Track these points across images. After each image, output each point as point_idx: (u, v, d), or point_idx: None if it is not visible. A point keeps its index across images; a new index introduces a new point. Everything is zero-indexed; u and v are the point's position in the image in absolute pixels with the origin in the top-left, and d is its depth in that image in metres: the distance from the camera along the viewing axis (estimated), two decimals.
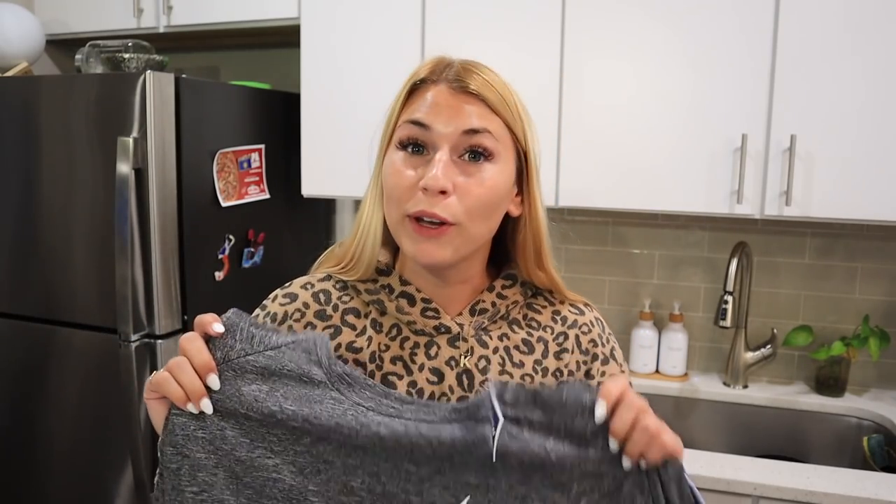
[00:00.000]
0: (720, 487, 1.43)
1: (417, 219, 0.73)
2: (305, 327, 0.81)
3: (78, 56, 1.93)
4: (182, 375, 0.67)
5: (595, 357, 0.85)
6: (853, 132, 1.59)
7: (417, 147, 0.75)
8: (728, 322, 1.77)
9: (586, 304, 0.90)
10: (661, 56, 1.70)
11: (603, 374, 0.85)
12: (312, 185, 2.01)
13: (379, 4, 1.88)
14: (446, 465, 0.64)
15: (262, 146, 1.96)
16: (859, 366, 1.93)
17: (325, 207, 2.36)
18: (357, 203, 2.36)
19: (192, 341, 0.68)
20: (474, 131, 0.73)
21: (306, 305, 0.82)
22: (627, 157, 1.75)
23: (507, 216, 0.81)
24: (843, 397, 1.89)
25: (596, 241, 2.14)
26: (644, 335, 2.04)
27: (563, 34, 1.76)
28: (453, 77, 0.75)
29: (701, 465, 1.47)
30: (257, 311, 0.85)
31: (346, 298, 0.83)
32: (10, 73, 1.99)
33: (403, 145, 0.76)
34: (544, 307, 0.87)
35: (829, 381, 1.90)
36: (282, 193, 2.05)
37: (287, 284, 0.86)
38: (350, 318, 0.81)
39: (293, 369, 0.67)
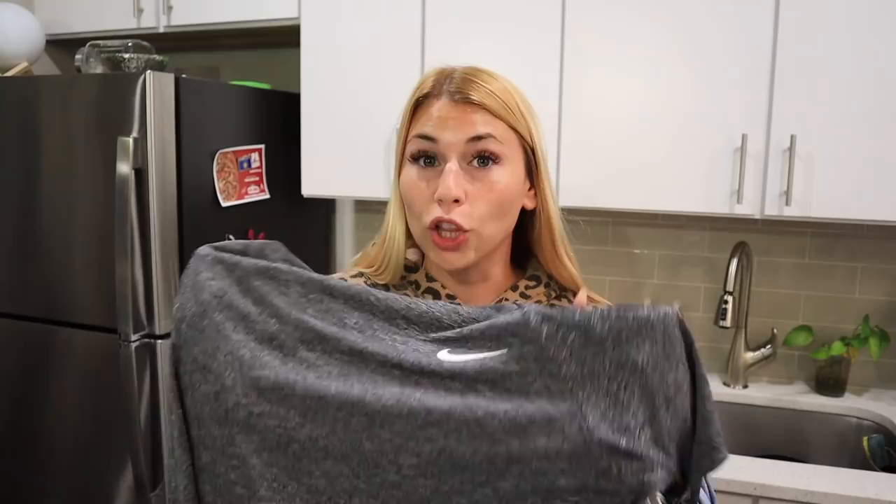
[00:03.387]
0: (720, 487, 1.43)
1: (437, 227, 0.78)
2: None
3: (78, 56, 1.93)
4: None
5: None
6: (853, 132, 1.59)
7: (429, 159, 0.79)
8: (728, 322, 1.78)
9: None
10: (661, 56, 1.70)
11: None
12: (312, 185, 2.01)
13: (379, 5, 1.88)
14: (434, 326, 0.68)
15: (262, 146, 1.96)
16: (859, 366, 1.93)
17: (325, 207, 2.35)
18: (357, 203, 2.38)
19: None
20: (479, 137, 0.77)
21: None
22: (627, 156, 1.75)
23: (524, 212, 0.85)
24: (843, 397, 1.89)
25: (596, 240, 2.13)
26: None
27: (563, 34, 1.76)
28: (455, 89, 0.78)
29: None
30: None
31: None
32: (10, 73, 1.99)
33: (415, 158, 0.80)
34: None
35: (829, 381, 1.90)
36: (282, 193, 2.05)
37: None
38: None
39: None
